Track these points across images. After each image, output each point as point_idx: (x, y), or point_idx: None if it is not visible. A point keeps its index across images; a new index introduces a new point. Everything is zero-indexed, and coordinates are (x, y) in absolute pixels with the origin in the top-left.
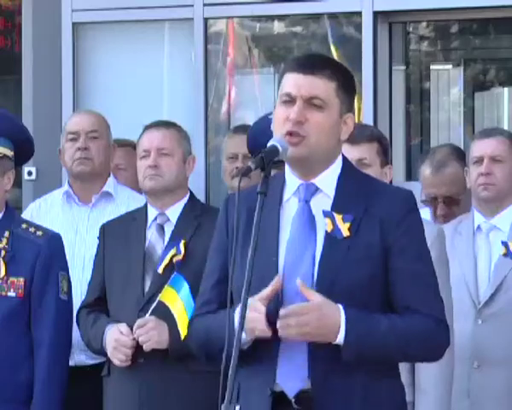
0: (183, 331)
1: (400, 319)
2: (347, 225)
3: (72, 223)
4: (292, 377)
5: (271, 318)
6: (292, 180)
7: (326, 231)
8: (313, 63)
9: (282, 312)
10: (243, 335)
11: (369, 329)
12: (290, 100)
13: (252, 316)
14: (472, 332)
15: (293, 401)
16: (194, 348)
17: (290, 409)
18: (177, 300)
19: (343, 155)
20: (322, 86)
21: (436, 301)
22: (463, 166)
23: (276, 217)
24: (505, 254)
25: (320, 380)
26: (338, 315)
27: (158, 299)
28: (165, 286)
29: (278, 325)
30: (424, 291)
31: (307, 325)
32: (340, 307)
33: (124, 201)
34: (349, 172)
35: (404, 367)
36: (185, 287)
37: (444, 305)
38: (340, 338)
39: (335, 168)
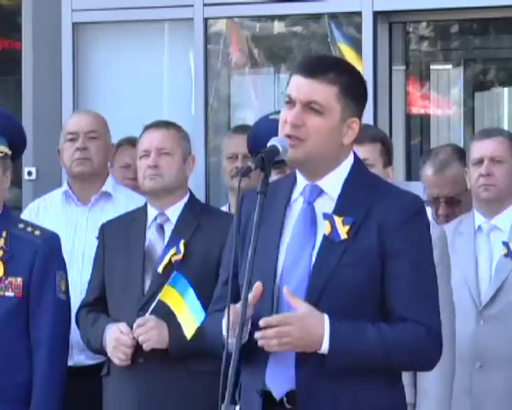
0: (189, 334)
1: (389, 329)
2: (346, 228)
3: (72, 223)
4: (279, 378)
5: (264, 317)
6: (300, 181)
7: (324, 234)
8: (316, 67)
9: (261, 322)
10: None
11: (355, 339)
12: (291, 102)
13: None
14: (474, 333)
15: (285, 400)
16: (206, 347)
17: (282, 409)
18: (178, 299)
19: (357, 158)
20: (321, 91)
21: (431, 310)
22: (465, 167)
23: (282, 216)
24: (506, 255)
25: (306, 382)
26: (322, 325)
27: (158, 298)
28: (165, 285)
29: (256, 335)
30: (418, 300)
31: (288, 336)
32: (326, 316)
33: (123, 201)
34: (357, 175)
35: None
36: (190, 290)
37: (440, 315)
38: (324, 348)
39: (342, 171)
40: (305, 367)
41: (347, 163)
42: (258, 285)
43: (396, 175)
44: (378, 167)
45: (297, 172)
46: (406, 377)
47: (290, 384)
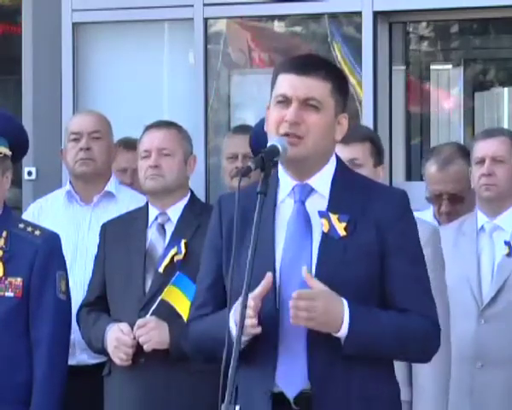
0: (184, 315)
1: (400, 317)
2: (343, 224)
3: (74, 222)
4: (292, 379)
5: (267, 318)
6: (286, 181)
7: (323, 232)
8: (308, 64)
9: (294, 294)
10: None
11: (371, 324)
12: (285, 101)
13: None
14: (475, 332)
15: (292, 401)
16: (191, 352)
17: (289, 409)
18: (182, 298)
19: (336, 154)
20: (317, 87)
21: (431, 303)
22: (468, 164)
23: (272, 218)
24: (508, 254)
25: (320, 380)
26: (342, 307)
27: (160, 298)
28: (169, 285)
29: (291, 304)
30: (421, 293)
31: (315, 311)
32: (344, 300)
33: (125, 201)
34: (343, 172)
35: (401, 366)
36: (193, 288)
37: (436, 307)
38: (343, 331)
39: (330, 168)
40: (318, 366)
41: (333, 162)
42: (269, 277)
43: (394, 175)
44: (368, 167)
45: (280, 172)
46: (402, 374)
47: (302, 384)
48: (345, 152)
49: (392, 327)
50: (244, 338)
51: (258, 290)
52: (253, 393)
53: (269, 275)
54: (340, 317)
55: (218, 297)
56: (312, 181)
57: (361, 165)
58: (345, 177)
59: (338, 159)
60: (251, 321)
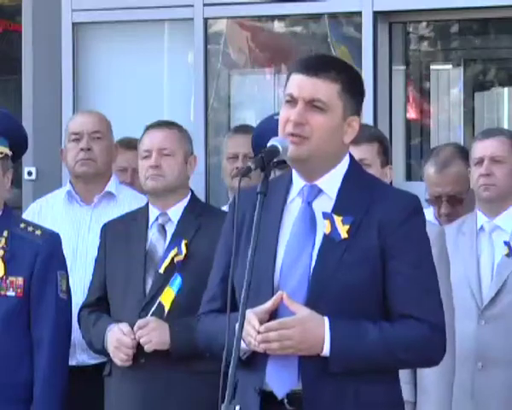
0: (166, 306)
1: (392, 328)
2: (346, 227)
3: (75, 223)
4: (281, 378)
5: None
6: (297, 181)
7: (324, 233)
8: (317, 65)
9: (262, 328)
10: (243, 345)
11: (356, 341)
12: (292, 101)
13: (248, 330)
14: (475, 333)
15: (285, 401)
16: (201, 347)
17: (282, 409)
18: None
19: (352, 157)
20: (324, 89)
21: (433, 307)
22: (468, 166)
23: (279, 217)
24: (508, 255)
25: (311, 381)
26: (322, 329)
27: (159, 300)
28: (167, 287)
29: (258, 338)
30: (420, 297)
31: (289, 340)
32: (326, 319)
33: (126, 201)
34: (354, 174)
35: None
36: (179, 281)
37: (443, 311)
38: (325, 352)
39: (340, 170)
40: (309, 367)
41: (345, 163)
42: (279, 295)
43: (394, 175)
44: (376, 167)
45: (293, 172)
46: (406, 375)
47: (292, 384)
48: (353, 152)
49: (382, 341)
50: (246, 348)
51: (267, 307)
52: (246, 391)
53: (280, 293)
54: (320, 340)
55: (227, 293)
56: (321, 182)
57: (369, 165)
58: (355, 179)
59: (352, 160)
60: (255, 340)
